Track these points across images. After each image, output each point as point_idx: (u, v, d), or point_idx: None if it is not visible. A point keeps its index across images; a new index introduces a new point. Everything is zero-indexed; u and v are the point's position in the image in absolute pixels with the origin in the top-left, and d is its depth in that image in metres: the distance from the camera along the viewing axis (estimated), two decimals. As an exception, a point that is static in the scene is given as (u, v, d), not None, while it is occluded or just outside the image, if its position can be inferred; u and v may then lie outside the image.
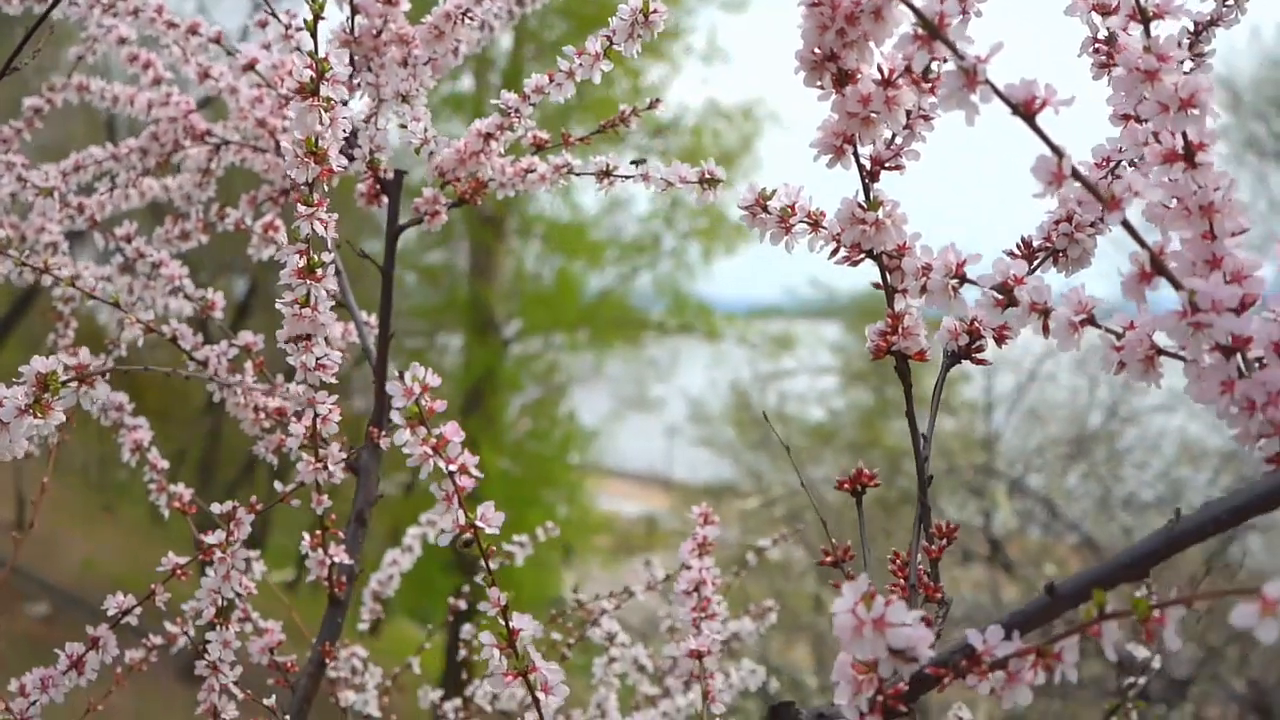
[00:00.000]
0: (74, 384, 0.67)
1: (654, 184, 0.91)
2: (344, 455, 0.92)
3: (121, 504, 10.32)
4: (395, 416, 0.63)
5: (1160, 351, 0.55)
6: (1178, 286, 0.52)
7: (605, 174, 0.96)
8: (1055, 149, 0.51)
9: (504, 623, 0.66)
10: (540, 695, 0.66)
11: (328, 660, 1.00)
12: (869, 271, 0.67)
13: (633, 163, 0.95)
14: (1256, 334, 0.53)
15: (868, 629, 0.50)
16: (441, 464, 0.63)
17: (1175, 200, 0.56)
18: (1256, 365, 0.54)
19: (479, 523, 0.64)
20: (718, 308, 11.22)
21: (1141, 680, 1.08)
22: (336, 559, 0.98)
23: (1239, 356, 0.53)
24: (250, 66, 1.08)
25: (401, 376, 0.62)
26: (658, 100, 1.02)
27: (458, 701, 1.37)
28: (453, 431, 0.64)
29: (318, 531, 0.97)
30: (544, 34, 9.01)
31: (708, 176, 0.89)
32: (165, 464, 1.10)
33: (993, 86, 0.51)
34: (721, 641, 1.62)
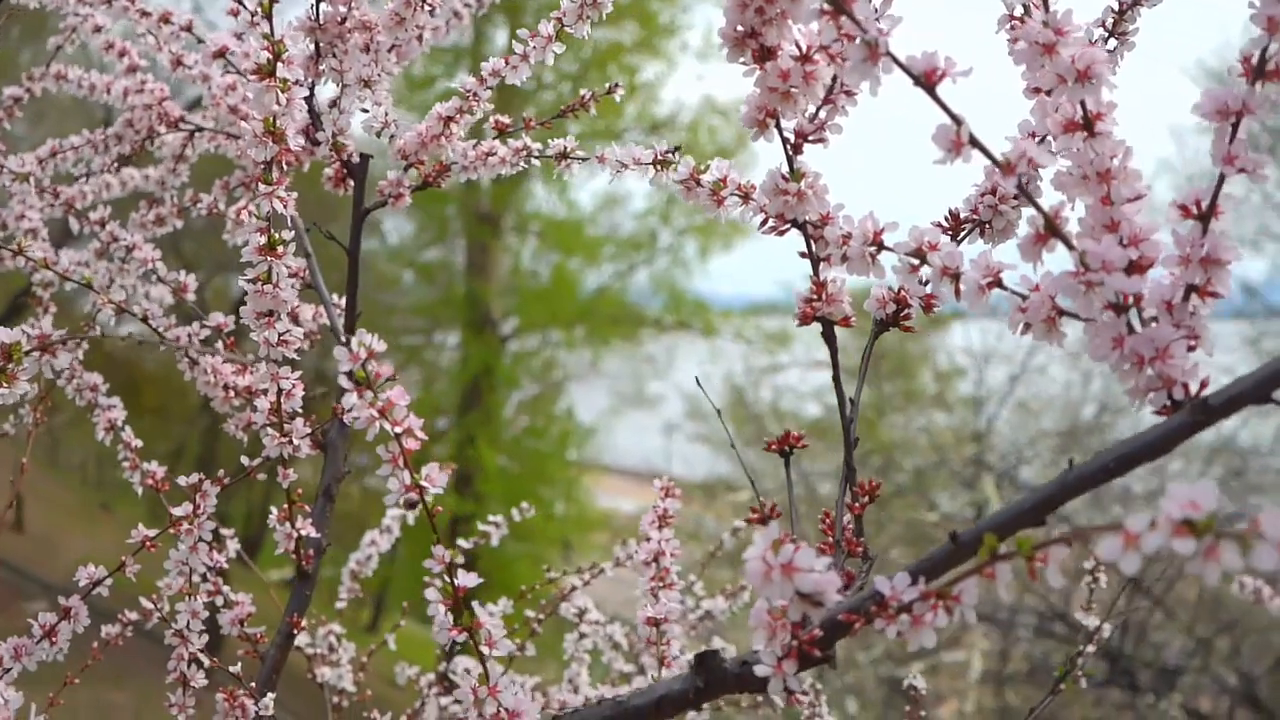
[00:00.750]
0: (36, 353, 0.70)
1: (610, 165, 0.93)
2: (308, 430, 0.95)
3: (119, 503, 10.36)
4: (342, 380, 0.65)
5: (1062, 312, 0.58)
6: (1071, 248, 0.55)
7: (563, 156, 0.99)
8: (954, 118, 0.54)
9: (449, 579, 0.69)
10: (485, 650, 0.68)
11: (296, 631, 1.03)
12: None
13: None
14: (1149, 293, 0.56)
15: (776, 573, 0.53)
16: (388, 426, 0.66)
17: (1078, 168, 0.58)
18: (1153, 324, 0.56)
19: (424, 483, 0.67)
20: (714, 304, 11.26)
21: (1090, 649, 1.10)
22: (303, 533, 1.00)
23: (1132, 314, 0.56)
24: (220, 54, 1.10)
25: (349, 344, 0.65)
26: (617, 85, 1.05)
27: (431, 676, 1.40)
28: (399, 395, 0.67)
29: (285, 506, 1.00)
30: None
31: (660, 158, 0.91)
32: (139, 442, 1.13)
33: (894, 59, 0.53)
34: (697, 619, 1.65)
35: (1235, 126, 0.55)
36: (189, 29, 1.15)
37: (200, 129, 1.24)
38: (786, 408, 9.75)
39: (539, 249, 11.48)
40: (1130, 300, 0.54)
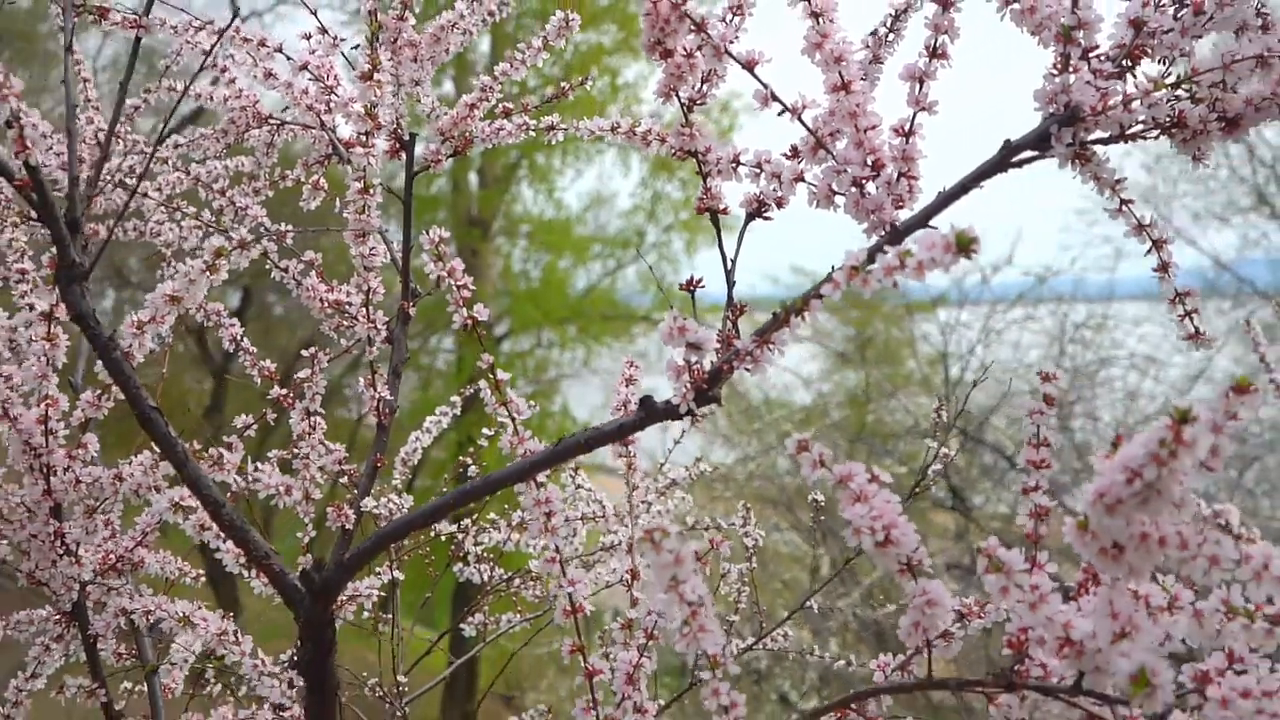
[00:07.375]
0: (238, 250, 1.14)
1: (582, 132, 1.39)
2: (387, 319, 1.40)
3: (126, 514, 10.69)
4: (424, 256, 1.10)
5: (835, 192, 1.03)
6: (829, 153, 1.00)
7: (552, 128, 1.44)
8: (763, 84, 0.99)
9: (494, 377, 1.14)
10: (515, 415, 1.13)
11: (378, 466, 1.47)
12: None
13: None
14: (882, 179, 1.01)
15: (675, 331, 0.98)
16: (453, 282, 1.11)
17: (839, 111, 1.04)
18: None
19: (475, 314, 1.12)
20: (703, 298, 11.66)
21: (938, 467, 1.55)
22: (382, 395, 1.45)
23: (870, 187, 1.01)
24: (304, 67, 1.55)
25: (427, 231, 1.10)
26: (589, 77, 1.50)
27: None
28: (459, 264, 1.12)
29: (369, 375, 1.45)
30: (520, 37, 9.51)
31: (616, 123, 1.36)
32: (255, 350, 1.58)
33: (729, 53, 0.99)
34: (664, 487, 2.09)
35: (920, 84, 1.00)
36: (280, 49, 1.60)
37: (284, 123, 1.68)
38: (775, 396, 10.17)
39: (529, 250, 11.92)
40: (865, 180, 1.00)
